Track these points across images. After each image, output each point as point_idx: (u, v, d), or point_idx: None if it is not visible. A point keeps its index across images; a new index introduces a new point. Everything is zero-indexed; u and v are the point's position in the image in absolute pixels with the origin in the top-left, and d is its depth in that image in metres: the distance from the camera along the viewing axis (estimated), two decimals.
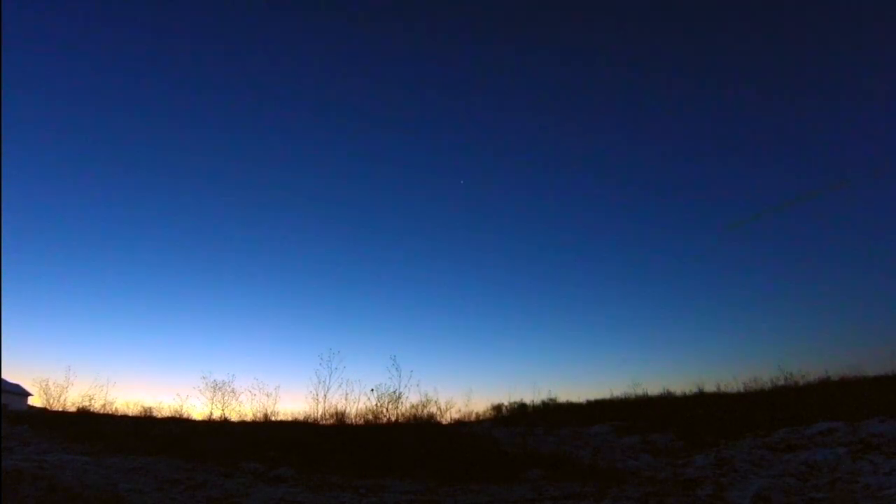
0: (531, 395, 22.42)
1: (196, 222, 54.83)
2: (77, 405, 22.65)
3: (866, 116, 46.18)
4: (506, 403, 21.79)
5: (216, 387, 18.80)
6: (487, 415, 21.39)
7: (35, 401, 31.19)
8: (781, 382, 17.07)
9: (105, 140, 53.59)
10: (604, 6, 53.27)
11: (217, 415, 18.43)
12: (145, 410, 21.65)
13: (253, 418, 17.55)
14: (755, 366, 55.08)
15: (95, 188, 54.10)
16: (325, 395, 15.30)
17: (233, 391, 18.74)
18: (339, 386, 15.87)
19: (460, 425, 16.11)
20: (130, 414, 21.29)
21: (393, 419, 14.37)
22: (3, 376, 29.60)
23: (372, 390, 14.99)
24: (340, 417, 15.01)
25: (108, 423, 16.38)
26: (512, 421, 18.24)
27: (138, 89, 53.43)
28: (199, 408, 19.60)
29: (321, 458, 9.10)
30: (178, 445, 10.79)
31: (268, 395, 18.06)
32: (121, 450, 10.50)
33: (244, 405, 18.45)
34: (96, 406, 22.19)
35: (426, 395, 15.72)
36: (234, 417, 18.22)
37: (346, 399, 15.27)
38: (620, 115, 57.13)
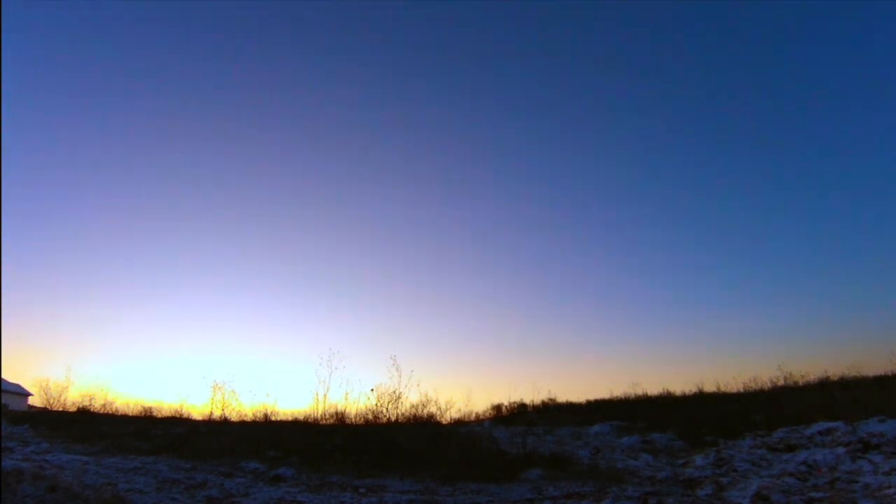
0: (531, 395, 22.29)
1: (196, 222, 54.88)
2: (77, 405, 22.65)
3: (867, 116, 46.26)
4: (506, 403, 21.72)
5: (216, 386, 18.81)
6: (487, 415, 21.35)
7: (35, 401, 31.22)
8: (781, 382, 17.10)
9: (104, 139, 53.65)
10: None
11: (217, 415, 18.43)
12: (145, 410, 21.61)
13: (253, 418, 17.53)
14: (755, 366, 55.05)
15: (96, 188, 54.17)
16: (325, 395, 15.30)
17: (233, 391, 18.75)
18: (339, 386, 15.87)
19: (460, 425, 16.06)
20: (130, 414, 21.26)
21: (393, 419, 14.35)
22: (3, 376, 29.63)
23: (372, 390, 14.99)
24: (340, 417, 15.00)
25: (108, 423, 16.37)
26: (512, 421, 18.21)
27: (140, 88, 53.49)
28: (199, 408, 19.62)
29: (321, 458, 9.10)
30: (178, 445, 10.79)
31: (268, 395, 18.05)
32: (121, 450, 10.51)
33: (244, 405, 18.46)
34: (96, 406, 22.19)
35: (426, 395, 15.69)
36: (234, 417, 18.21)
37: (346, 399, 15.28)
38: (620, 114, 57.21)
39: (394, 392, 14.65)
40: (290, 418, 16.56)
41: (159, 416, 20.15)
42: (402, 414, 14.53)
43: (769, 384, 17.40)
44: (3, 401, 29.09)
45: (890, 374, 14.84)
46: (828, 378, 16.27)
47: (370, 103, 57.11)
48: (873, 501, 5.64)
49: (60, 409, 23.27)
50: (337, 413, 15.12)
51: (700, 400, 17.51)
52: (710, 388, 18.98)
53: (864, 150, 47.30)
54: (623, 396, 20.70)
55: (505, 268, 57.57)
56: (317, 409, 15.21)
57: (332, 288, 53.08)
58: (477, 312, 52.34)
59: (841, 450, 8.06)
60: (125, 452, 10.12)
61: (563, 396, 22.27)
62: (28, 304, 47.41)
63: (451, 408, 16.67)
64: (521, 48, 57.03)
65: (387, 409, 14.53)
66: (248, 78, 55.35)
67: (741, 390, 17.86)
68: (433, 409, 15.26)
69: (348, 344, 41.28)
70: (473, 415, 20.24)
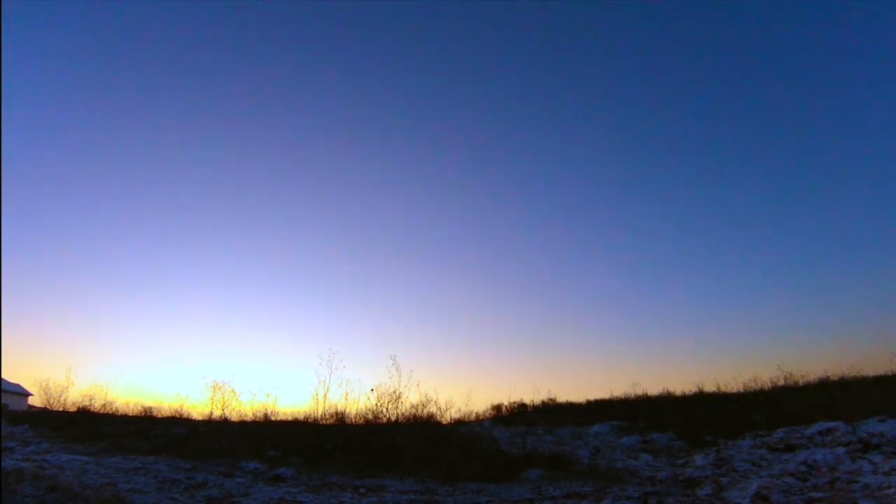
0: (531, 395, 22.29)
1: (196, 221, 54.89)
2: (77, 405, 22.64)
3: (867, 115, 46.28)
4: (506, 403, 21.73)
5: (216, 386, 18.85)
6: (487, 415, 21.35)
7: (35, 401, 31.22)
8: (781, 382, 17.09)
9: (105, 138, 53.65)
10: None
11: (217, 415, 18.46)
12: (145, 410, 21.61)
13: (253, 418, 17.55)
14: (755, 366, 55.02)
15: (96, 187, 54.18)
16: (325, 395, 15.34)
17: (233, 391, 18.79)
18: (339, 386, 15.92)
19: (460, 425, 16.07)
20: (130, 414, 21.26)
21: (393, 419, 14.38)
22: (3, 376, 29.62)
23: (372, 390, 15.02)
24: (340, 417, 15.03)
25: (108, 423, 16.38)
26: (512, 421, 18.21)
27: (140, 88, 53.50)
28: (199, 408, 19.65)
29: (321, 458, 9.10)
30: (178, 445, 10.79)
31: (268, 395, 18.09)
32: (121, 450, 10.51)
33: (244, 405, 18.49)
34: (96, 406, 22.19)
35: (426, 395, 15.71)
36: (234, 417, 18.24)
37: (346, 399, 15.32)
38: (619, 116, 57.23)
39: (394, 392, 14.69)
40: (290, 418, 16.59)
41: (159, 416, 20.16)
42: (402, 414, 14.56)
43: (769, 384, 17.43)
44: (3, 401, 29.11)
45: (890, 374, 14.85)
46: (828, 378, 16.27)
47: (371, 103, 57.17)
48: (873, 501, 5.64)
49: (60, 409, 23.26)
50: (337, 413, 15.16)
51: (700, 400, 17.51)
52: (710, 388, 19.02)
53: (863, 148, 47.33)
54: (623, 396, 20.72)
55: (505, 267, 57.60)
56: (317, 409, 15.26)
57: (332, 288, 53.10)
58: (477, 312, 52.36)
59: (841, 450, 8.06)
60: (125, 452, 10.12)
61: (563, 396, 22.29)
62: (28, 304, 47.46)
63: (451, 408, 16.72)
64: (521, 46, 57.10)
65: (387, 409, 14.57)
66: (250, 76, 55.41)
67: (741, 390, 17.88)
68: (433, 410, 15.30)
69: (348, 344, 41.32)
70: (473, 415, 20.25)
